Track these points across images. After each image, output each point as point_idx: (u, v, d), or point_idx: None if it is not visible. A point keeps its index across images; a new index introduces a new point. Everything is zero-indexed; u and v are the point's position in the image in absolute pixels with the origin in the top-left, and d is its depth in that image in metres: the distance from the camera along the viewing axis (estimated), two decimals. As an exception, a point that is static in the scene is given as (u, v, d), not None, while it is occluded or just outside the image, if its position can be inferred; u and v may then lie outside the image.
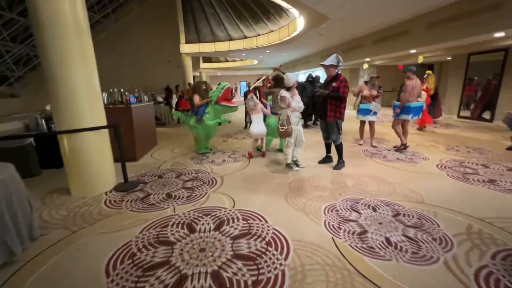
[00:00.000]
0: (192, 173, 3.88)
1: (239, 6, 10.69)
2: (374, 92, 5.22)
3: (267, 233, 2.26)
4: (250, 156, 4.62)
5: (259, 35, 11.04)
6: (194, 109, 4.78)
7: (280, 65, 5.19)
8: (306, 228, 2.34)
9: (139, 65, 16.54)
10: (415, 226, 2.33)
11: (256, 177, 3.67)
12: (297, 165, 4.01)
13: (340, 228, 2.32)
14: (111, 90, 4.31)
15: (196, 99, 4.79)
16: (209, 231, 2.32)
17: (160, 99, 10.10)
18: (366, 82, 5.36)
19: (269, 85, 7.57)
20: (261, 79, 6.22)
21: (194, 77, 19.12)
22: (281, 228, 2.34)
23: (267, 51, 12.69)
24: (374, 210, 2.65)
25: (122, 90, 4.31)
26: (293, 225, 2.39)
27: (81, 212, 2.75)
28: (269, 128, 4.61)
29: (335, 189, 3.19)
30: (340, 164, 3.95)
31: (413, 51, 7.20)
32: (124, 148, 4.36)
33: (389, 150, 4.93)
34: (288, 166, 3.96)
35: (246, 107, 4.64)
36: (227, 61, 21.92)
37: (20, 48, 13.91)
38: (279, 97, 3.71)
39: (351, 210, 2.65)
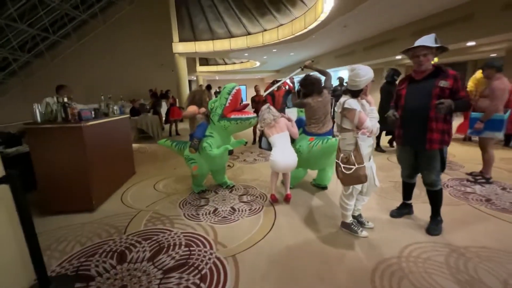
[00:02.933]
0: (180, 246, 2.18)
1: (242, -3, 9.14)
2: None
3: None
4: (274, 201, 2.94)
5: (265, 30, 9.43)
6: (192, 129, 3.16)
7: (313, 60, 3.65)
8: None
9: (130, 69, 14.94)
10: None
11: (298, 261, 1.97)
12: (362, 225, 2.34)
13: None
14: (47, 100, 2.62)
15: (191, 109, 3.13)
16: None
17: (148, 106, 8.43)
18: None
19: (285, 87, 5.93)
20: (280, 82, 4.51)
21: (190, 81, 17.56)
22: None
23: (274, 50, 11.07)
24: None
25: (65, 100, 2.62)
26: None
27: None
28: (298, 157, 2.91)
29: (479, 306, 1.51)
30: (438, 225, 2.26)
31: (471, 43, 5.60)
32: (66, 196, 2.73)
33: (470, 181, 3.29)
34: (348, 228, 2.28)
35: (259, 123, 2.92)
36: (225, 63, 20.38)
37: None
38: (338, 110, 2.04)
39: None
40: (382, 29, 7.45)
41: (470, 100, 2.04)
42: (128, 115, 4.01)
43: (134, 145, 6.22)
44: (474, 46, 5.76)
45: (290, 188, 3.27)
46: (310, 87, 3.03)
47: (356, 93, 2.00)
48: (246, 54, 12.66)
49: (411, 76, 2.23)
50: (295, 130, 2.92)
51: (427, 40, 2.03)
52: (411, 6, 5.32)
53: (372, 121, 1.94)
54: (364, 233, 2.24)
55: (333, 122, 3.06)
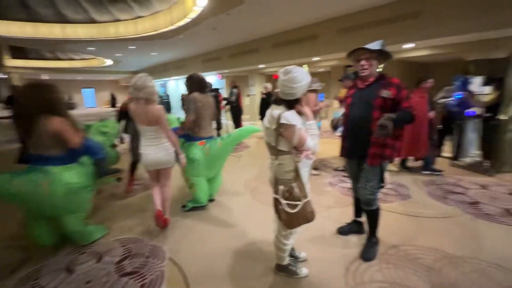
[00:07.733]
0: None
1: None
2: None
3: None
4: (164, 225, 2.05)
5: (118, 20, 7.58)
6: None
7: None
8: None
9: None
10: None
11: None
12: (296, 259, 1.96)
13: None
14: None
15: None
16: None
17: None
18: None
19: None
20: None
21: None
22: None
23: (132, 47, 9.23)
24: None
25: None
26: None
27: None
28: (197, 166, 2.68)
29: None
30: (373, 248, 2.07)
31: (317, 58, 6.77)
32: None
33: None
34: (286, 271, 1.84)
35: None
36: (59, 58, 15.36)
37: None
38: (270, 126, 1.51)
39: None
40: (248, 38, 7.78)
41: (413, 112, 1.82)
42: None
43: None
44: (317, 61, 7.09)
45: (210, 201, 3.06)
46: (189, 83, 2.78)
47: (292, 104, 1.54)
48: (93, 49, 9.89)
49: (357, 84, 2.06)
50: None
51: (373, 44, 1.87)
52: (278, 18, 5.77)
53: (313, 139, 1.55)
54: (304, 270, 1.85)
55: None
